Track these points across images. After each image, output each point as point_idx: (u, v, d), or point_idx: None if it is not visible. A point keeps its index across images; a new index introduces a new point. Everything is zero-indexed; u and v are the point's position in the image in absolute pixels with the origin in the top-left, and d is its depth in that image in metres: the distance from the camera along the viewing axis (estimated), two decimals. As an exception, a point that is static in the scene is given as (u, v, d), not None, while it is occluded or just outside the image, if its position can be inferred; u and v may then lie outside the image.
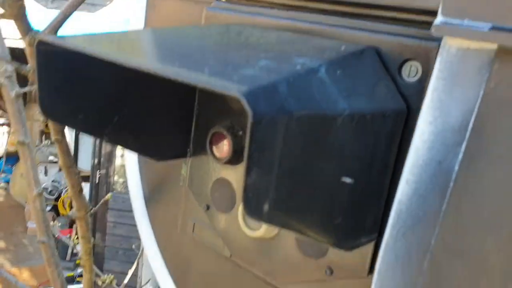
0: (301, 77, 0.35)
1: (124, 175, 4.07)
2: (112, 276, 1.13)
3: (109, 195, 1.40)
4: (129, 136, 0.54)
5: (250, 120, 0.30)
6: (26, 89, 0.78)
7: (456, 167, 0.31)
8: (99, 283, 1.10)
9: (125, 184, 4.01)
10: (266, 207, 0.34)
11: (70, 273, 3.94)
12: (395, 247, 0.35)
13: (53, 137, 0.63)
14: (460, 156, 0.31)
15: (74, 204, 0.75)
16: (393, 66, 0.42)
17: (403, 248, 0.35)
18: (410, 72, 0.41)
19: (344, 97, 0.37)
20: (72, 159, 0.66)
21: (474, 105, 0.30)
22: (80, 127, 0.49)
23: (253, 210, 0.33)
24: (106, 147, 4.11)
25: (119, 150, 4.14)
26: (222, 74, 0.35)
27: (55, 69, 0.45)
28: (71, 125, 0.49)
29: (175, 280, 0.76)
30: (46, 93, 0.45)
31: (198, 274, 0.71)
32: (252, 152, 0.31)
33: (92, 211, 0.76)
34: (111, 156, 4.16)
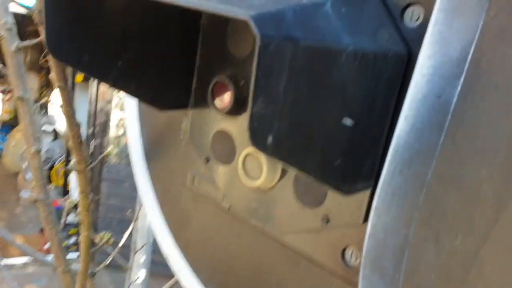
0: (308, 8, 0.35)
1: (118, 145, 4.07)
2: (109, 234, 1.15)
3: (108, 151, 1.41)
4: (132, 82, 0.55)
5: (258, 43, 0.31)
6: (26, 43, 0.78)
7: (454, 100, 0.32)
8: (97, 240, 1.12)
9: (119, 154, 4.01)
10: (270, 139, 0.34)
11: (64, 243, 3.97)
12: (392, 183, 0.36)
13: (56, 84, 0.63)
14: (459, 88, 0.32)
15: (74, 157, 0.75)
16: (396, 10, 0.42)
17: (399, 184, 0.36)
18: (413, 16, 0.42)
19: (348, 33, 0.37)
20: (73, 109, 0.66)
21: (474, 35, 0.31)
22: (85, 69, 0.50)
23: (258, 140, 0.34)
24: (100, 117, 4.10)
25: (113, 120, 4.12)
26: (230, 2, 0.35)
27: (62, 8, 0.45)
28: (76, 66, 0.50)
29: (173, 233, 0.77)
30: (53, 32, 0.45)
31: (196, 227, 0.73)
32: (259, 79, 0.32)
33: (91, 165, 0.77)
34: (105, 127, 4.15)
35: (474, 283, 0.33)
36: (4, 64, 1.38)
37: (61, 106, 0.69)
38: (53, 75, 0.68)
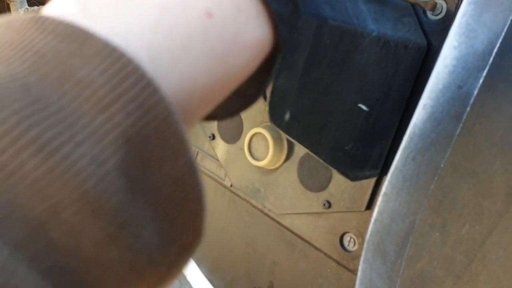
0: None
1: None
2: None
3: None
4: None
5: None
6: (35, 7, 0.78)
7: (476, 91, 0.33)
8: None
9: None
10: (287, 115, 0.35)
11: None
12: (404, 169, 0.37)
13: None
14: (481, 80, 0.32)
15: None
16: (420, 1, 0.43)
17: (411, 170, 0.36)
18: (436, 9, 0.42)
19: (373, 19, 0.38)
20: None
21: (502, 29, 0.31)
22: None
23: (276, 115, 0.34)
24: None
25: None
26: None
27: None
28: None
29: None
30: None
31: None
32: (285, 53, 0.32)
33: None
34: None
35: (476, 272, 0.34)
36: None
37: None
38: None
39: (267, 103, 0.34)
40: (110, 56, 0.17)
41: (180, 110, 0.21)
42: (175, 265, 0.20)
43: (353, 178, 0.46)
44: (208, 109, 0.24)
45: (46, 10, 0.20)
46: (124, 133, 0.17)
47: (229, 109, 0.28)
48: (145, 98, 0.17)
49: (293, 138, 0.38)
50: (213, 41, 0.22)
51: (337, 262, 0.55)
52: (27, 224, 0.15)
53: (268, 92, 0.33)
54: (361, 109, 0.41)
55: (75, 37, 0.17)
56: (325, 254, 0.56)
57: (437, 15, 0.43)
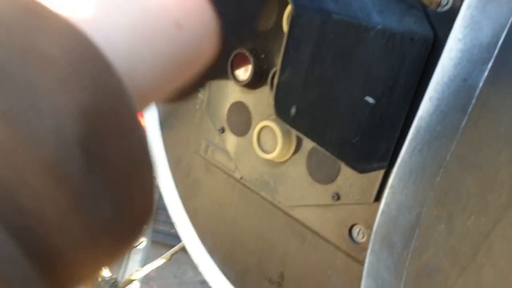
0: None
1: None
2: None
3: None
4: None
5: (292, 13, 0.31)
6: None
7: (481, 84, 0.33)
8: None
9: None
10: (293, 110, 0.35)
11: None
12: (410, 161, 0.37)
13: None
14: (486, 73, 0.32)
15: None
16: (426, -7, 0.43)
17: (417, 163, 0.37)
18: (442, 0, 0.42)
19: (378, 12, 0.38)
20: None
21: (507, 21, 0.31)
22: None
23: (282, 110, 0.34)
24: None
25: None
26: None
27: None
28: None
29: (182, 200, 0.79)
30: None
31: (206, 196, 0.74)
32: (289, 48, 0.32)
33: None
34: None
35: (481, 263, 0.34)
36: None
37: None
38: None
39: (272, 98, 0.34)
40: (70, 34, 0.19)
41: (136, 98, 0.22)
42: (128, 235, 0.21)
43: (361, 171, 0.46)
44: (159, 98, 0.29)
45: None
46: (80, 105, 0.18)
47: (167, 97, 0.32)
48: (100, 74, 0.19)
49: (300, 132, 0.38)
50: (177, 48, 0.26)
51: (346, 254, 0.56)
52: None
53: (274, 88, 0.34)
54: (368, 102, 0.41)
55: (40, 14, 0.19)
56: (335, 245, 0.57)
57: (443, 6, 0.42)
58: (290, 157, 0.59)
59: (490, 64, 0.32)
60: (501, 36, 0.32)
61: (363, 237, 0.54)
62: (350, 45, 0.37)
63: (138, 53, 0.23)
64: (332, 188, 0.55)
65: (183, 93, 0.33)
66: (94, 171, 0.18)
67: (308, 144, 0.57)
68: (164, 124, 0.81)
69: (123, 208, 0.20)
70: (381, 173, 0.50)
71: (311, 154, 0.57)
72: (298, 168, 0.58)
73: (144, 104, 0.27)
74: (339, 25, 0.34)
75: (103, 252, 0.21)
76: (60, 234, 0.18)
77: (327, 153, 0.42)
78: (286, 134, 0.57)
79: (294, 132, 0.57)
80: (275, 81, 0.33)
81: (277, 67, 0.33)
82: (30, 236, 0.17)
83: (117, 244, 0.21)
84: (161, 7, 0.25)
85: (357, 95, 0.40)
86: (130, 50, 0.23)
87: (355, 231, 0.55)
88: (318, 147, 0.41)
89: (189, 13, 0.27)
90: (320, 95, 0.38)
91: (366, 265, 0.41)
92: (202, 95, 0.70)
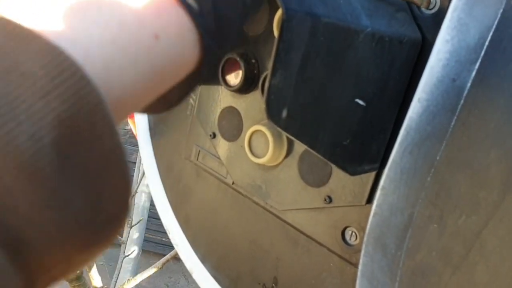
0: None
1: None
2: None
3: None
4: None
5: (282, 17, 0.32)
6: None
7: (469, 84, 0.33)
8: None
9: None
10: (285, 113, 0.35)
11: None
12: (401, 162, 0.37)
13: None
14: (474, 73, 0.33)
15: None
16: (414, -4, 0.43)
17: (408, 164, 0.37)
18: (430, 3, 0.43)
19: (367, 15, 0.38)
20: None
21: (493, 23, 0.32)
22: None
23: (273, 113, 0.35)
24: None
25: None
26: None
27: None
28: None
29: (173, 208, 0.79)
30: None
31: (197, 202, 0.74)
32: (279, 52, 0.32)
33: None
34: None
35: (474, 262, 0.34)
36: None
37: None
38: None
39: (264, 101, 0.34)
40: (51, 53, 0.21)
41: (115, 107, 0.25)
42: (102, 233, 0.24)
43: (352, 173, 0.47)
44: (138, 108, 0.31)
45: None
46: (59, 116, 0.20)
47: (157, 108, 0.34)
48: (79, 88, 0.21)
49: (291, 135, 0.38)
50: (155, 59, 0.28)
51: (340, 256, 0.56)
52: None
53: (265, 91, 0.34)
54: (358, 104, 0.42)
55: (19, 36, 0.21)
56: (328, 248, 0.57)
57: (431, 9, 0.43)
58: (282, 161, 0.59)
59: (478, 64, 0.33)
60: (487, 37, 0.32)
61: (356, 239, 0.54)
62: (340, 48, 0.37)
63: (117, 65, 0.25)
64: (324, 191, 0.56)
65: (170, 104, 0.35)
66: (68, 172, 0.21)
67: (299, 147, 0.57)
68: (155, 131, 0.81)
69: (95, 206, 0.23)
70: (372, 175, 0.51)
71: (302, 157, 0.57)
72: (290, 172, 0.59)
73: (125, 112, 0.29)
74: (329, 28, 0.35)
75: (77, 249, 0.23)
76: (32, 227, 0.20)
77: (319, 156, 0.42)
78: (277, 138, 0.57)
79: (285, 136, 0.58)
80: (266, 84, 0.34)
81: (268, 71, 0.33)
82: (6, 231, 0.20)
83: (90, 241, 0.23)
84: (138, 20, 0.27)
85: (347, 97, 0.41)
86: (108, 62, 0.25)
87: (347, 233, 0.55)
88: (310, 150, 0.41)
89: (167, 24, 0.28)
90: (311, 98, 0.38)
91: (360, 266, 0.42)
92: (192, 101, 0.70)
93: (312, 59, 0.35)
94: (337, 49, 0.37)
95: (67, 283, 1.40)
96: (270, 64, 0.33)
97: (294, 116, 0.37)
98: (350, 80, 0.39)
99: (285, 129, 0.37)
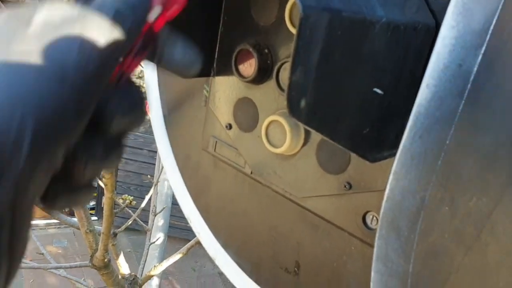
0: None
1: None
2: (131, 197, 1.19)
3: None
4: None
5: (300, 14, 0.33)
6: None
7: (475, 69, 0.34)
8: (120, 201, 1.16)
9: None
10: (306, 108, 0.37)
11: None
12: (411, 148, 0.38)
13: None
14: (479, 58, 0.33)
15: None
16: (425, -19, 0.44)
17: (418, 149, 0.38)
18: (441, -13, 0.43)
19: (380, 5, 0.39)
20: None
21: (497, 7, 0.32)
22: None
23: (295, 109, 0.36)
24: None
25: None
26: None
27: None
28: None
29: (193, 198, 0.80)
30: None
31: (216, 192, 0.75)
32: (299, 49, 0.33)
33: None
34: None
35: (485, 242, 0.35)
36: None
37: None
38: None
39: (285, 97, 0.35)
40: None
41: None
42: None
43: (372, 160, 0.47)
44: None
45: None
46: None
47: None
48: None
49: (313, 128, 0.39)
50: None
51: (361, 240, 0.57)
52: None
53: (286, 87, 0.35)
54: (376, 93, 0.42)
55: None
56: (349, 233, 0.58)
57: (444, -10, 0.43)
58: (299, 150, 0.60)
59: (483, 49, 0.33)
60: (492, 21, 0.33)
61: (377, 223, 0.55)
62: (357, 41, 0.38)
63: None
64: (343, 177, 0.56)
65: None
66: None
67: (316, 136, 0.58)
68: (169, 121, 0.82)
69: None
70: (391, 160, 0.51)
71: (320, 145, 0.58)
72: (308, 160, 0.59)
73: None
74: (346, 22, 0.36)
75: None
76: None
77: (339, 146, 0.43)
78: (294, 128, 0.58)
79: (302, 125, 0.58)
80: (288, 81, 0.35)
81: (288, 67, 0.34)
82: None
83: None
84: None
85: (365, 87, 0.41)
86: None
87: (368, 218, 0.56)
88: (329, 141, 0.42)
89: None
90: (331, 91, 0.39)
91: (375, 249, 0.43)
92: (206, 92, 0.72)
93: (330, 54, 0.36)
94: (354, 42, 0.38)
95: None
96: (289, 61, 0.34)
97: (315, 110, 0.38)
98: (367, 71, 0.40)
99: (307, 124, 0.38)
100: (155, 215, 2.03)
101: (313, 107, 0.37)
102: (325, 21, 0.34)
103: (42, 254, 1.74)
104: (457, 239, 0.36)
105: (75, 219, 1.15)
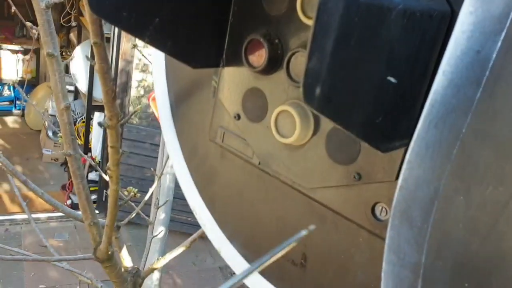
0: None
1: (137, 105, 4.11)
2: (136, 190, 1.19)
3: (139, 106, 1.43)
4: (168, 40, 0.56)
5: (318, 1, 0.32)
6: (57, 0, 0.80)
7: (494, 56, 0.33)
8: (125, 193, 1.15)
9: (138, 115, 4.06)
10: (321, 95, 0.36)
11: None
12: (426, 136, 0.38)
13: (92, 40, 0.65)
14: (499, 44, 0.33)
15: (106, 112, 0.78)
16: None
17: (434, 137, 0.37)
18: (455, -25, 0.43)
19: None
20: (108, 65, 0.68)
21: (519, -8, 0.32)
22: (123, 25, 0.51)
23: (310, 96, 0.36)
24: (121, 77, 4.12)
25: (134, 81, 4.15)
26: None
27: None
28: (115, 22, 0.51)
29: (199, 188, 0.80)
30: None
31: (223, 183, 0.75)
32: (316, 35, 0.33)
33: (122, 121, 0.79)
34: (126, 87, 4.18)
35: (502, 231, 0.35)
36: (30, 21, 1.39)
37: (93, 63, 0.71)
38: (73, 35, 0.68)
39: (301, 84, 0.35)
40: None
41: None
42: None
43: (384, 150, 0.47)
44: None
45: None
46: None
47: None
48: None
49: (327, 116, 0.39)
50: None
51: (370, 232, 0.57)
52: None
53: (303, 75, 0.35)
54: (390, 81, 0.42)
55: None
56: (357, 224, 0.57)
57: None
58: (309, 140, 0.59)
59: (503, 35, 0.33)
60: (512, 7, 0.32)
61: (386, 215, 0.54)
62: (373, 27, 0.37)
63: None
64: (353, 168, 0.56)
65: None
66: None
67: (326, 126, 0.58)
68: (176, 112, 0.82)
69: None
70: (402, 150, 0.51)
71: (329, 136, 0.58)
72: (317, 151, 0.59)
73: None
74: (363, 8, 0.35)
75: None
76: None
77: (350, 135, 0.43)
78: (304, 118, 0.58)
79: (311, 115, 0.58)
80: (304, 68, 0.34)
81: (299, 57, 0.34)
82: None
83: None
84: None
85: (379, 75, 0.41)
86: None
87: (378, 209, 0.55)
88: (337, 128, 0.42)
89: None
90: (346, 78, 0.39)
91: (386, 240, 0.42)
92: (215, 83, 0.71)
93: (346, 40, 0.36)
94: (371, 28, 0.37)
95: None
96: (303, 50, 0.34)
97: (329, 97, 0.38)
98: (382, 58, 0.40)
99: (322, 111, 0.38)
100: (157, 209, 2.03)
101: (328, 95, 0.37)
102: (340, 7, 0.34)
103: (45, 246, 1.74)
104: (472, 229, 0.36)
105: (79, 212, 1.15)
